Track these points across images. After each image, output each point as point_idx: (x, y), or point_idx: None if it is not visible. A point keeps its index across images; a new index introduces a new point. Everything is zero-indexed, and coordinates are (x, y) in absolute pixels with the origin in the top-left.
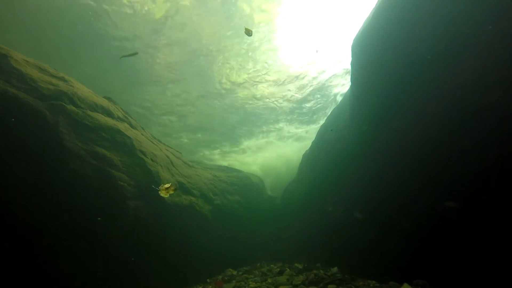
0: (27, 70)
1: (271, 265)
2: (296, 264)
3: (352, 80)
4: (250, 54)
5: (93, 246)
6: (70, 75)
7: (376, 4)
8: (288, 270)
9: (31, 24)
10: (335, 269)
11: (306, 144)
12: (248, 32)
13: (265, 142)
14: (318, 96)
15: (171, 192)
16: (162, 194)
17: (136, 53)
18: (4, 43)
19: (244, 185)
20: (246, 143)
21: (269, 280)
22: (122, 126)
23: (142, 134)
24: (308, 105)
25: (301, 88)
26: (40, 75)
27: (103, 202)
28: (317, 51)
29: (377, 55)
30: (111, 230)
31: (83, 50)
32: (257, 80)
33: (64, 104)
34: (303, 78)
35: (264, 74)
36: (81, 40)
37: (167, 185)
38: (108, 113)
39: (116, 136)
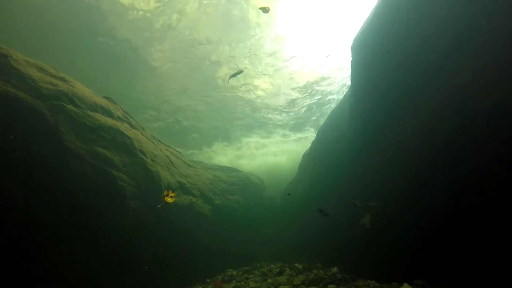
0: (27, 70)
1: (271, 265)
2: (296, 264)
3: (352, 80)
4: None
5: (93, 246)
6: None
7: (376, 4)
8: (288, 270)
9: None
10: (335, 269)
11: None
12: (265, 9)
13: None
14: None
15: (172, 194)
16: (168, 200)
17: (241, 71)
18: (3, 43)
19: (244, 185)
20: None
21: (269, 280)
22: (122, 126)
23: (142, 134)
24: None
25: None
26: (40, 75)
27: (103, 202)
28: (327, 56)
29: (377, 55)
30: (111, 230)
31: (80, 46)
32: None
33: (64, 104)
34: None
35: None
36: (78, 36)
37: (165, 193)
38: (108, 113)
39: (116, 136)
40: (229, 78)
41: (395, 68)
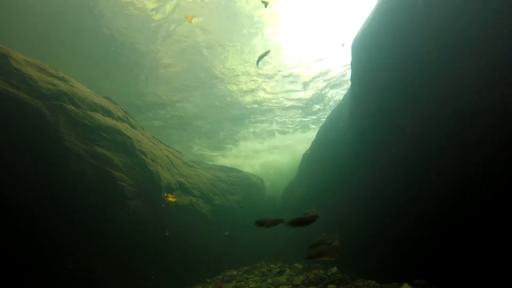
0: (27, 70)
1: (271, 265)
2: (296, 264)
3: (352, 80)
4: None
5: (93, 246)
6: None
7: (377, 3)
8: (288, 270)
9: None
10: (335, 269)
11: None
12: (266, 4)
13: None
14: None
15: (172, 196)
16: (171, 199)
17: (269, 51)
18: (3, 43)
19: (244, 185)
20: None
21: (269, 280)
22: (122, 126)
23: (142, 134)
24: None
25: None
26: (40, 75)
27: (103, 202)
28: (343, 45)
29: (378, 55)
30: (111, 230)
31: (81, 44)
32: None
33: (64, 104)
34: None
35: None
36: (78, 33)
37: (165, 194)
38: (108, 113)
39: (116, 136)
40: (258, 62)
41: (395, 68)
